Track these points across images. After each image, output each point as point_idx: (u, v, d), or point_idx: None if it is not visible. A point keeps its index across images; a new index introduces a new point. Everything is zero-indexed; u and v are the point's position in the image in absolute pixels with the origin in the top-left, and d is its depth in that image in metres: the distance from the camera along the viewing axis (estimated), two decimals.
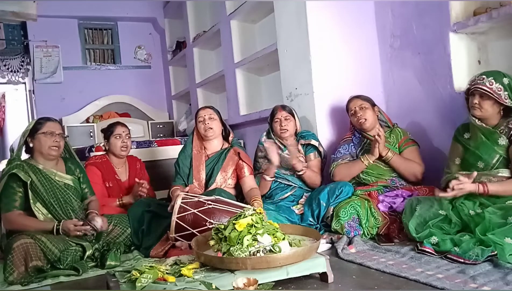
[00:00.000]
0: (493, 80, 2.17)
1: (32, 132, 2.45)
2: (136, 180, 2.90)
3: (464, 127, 2.38)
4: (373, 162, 2.67)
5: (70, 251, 2.27)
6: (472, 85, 2.25)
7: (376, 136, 2.57)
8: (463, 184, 2.09)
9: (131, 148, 3.11)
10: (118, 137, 2.98)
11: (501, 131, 2.22)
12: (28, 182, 2.35)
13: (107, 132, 3.02)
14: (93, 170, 2.87)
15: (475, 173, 2.14)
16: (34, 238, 2.19)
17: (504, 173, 2.19)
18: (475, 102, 2.22)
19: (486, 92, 2.17)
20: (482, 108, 2.21)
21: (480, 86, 2.19)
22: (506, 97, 2.17)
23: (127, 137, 3.03)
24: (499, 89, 2.17)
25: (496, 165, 2.20)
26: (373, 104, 2.81)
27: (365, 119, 2.73)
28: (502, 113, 2.24)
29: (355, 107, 2.77)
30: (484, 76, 2.21)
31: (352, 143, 2.86)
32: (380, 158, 2.65)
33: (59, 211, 2.40)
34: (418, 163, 2.66)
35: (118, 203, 2.86)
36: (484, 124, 2.24)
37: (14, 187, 2.36)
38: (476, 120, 2.25)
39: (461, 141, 2.36)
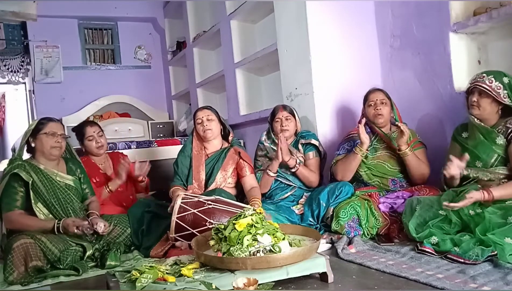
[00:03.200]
0: (493, 79, 2.18)
1: (34, 132, 2.46)
2: (121, 160, 2.93)
3: (463, 127, 2.39)
4: (366, 150, 2.64)
5: (70, 251, 2.27)
6: (472, 83, 2.26)
7: (402, 128, 2.55)
8: (472, 193, 2.05)
9: (107, 145, 3.11)
10: (90, 139, 2.98)
11: (499, 130, 2.22)
12: (30, 182, 2.35)
13: (79, 136, 3.02)
14: None
15: (467, 156, 2.15)
16: (34, 238, 2.20)
17: (501, 169, 2.19)
18: (474, 100, 2.23)
19: (485, 89, 2.17)
20: (480, 106, 2.22)
21: (480, 84, 2.20)
22: (505, 96, 2.17)
23: (99, 136, 3.01)
24: (498, 87, 2.17)
25: (494, 164, 2.21)
26: (392, 103, 2.78)
27: (382, 114, 2.69)
28: (500, 113, 2.25)
29: (376, 100, 2.72)
30: (484, 75, 2.22)
31: (358, 140, 2.82)
32: (398, 151, 2.61)
33: (60, 211, 2.40)
34: (427, 164, 2.65)
35: (106, 190, 2.87)
36: (482, 124, 2.25)
37: (16, 186, 2.36)
38: (475, 119, 2.25)
39: (459, 141, 2.36)
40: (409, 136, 2.72)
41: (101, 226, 2.36)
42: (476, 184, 2.21)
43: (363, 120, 2.64)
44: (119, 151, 3.59)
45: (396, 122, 2.64)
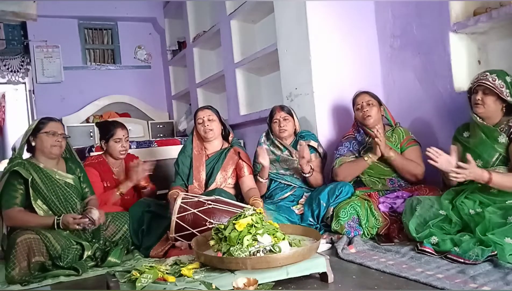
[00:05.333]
0: (496, 77, 2.19)
1: (35, 131, 2.47)
2: (131, 163, 2.87)
3: (464, 127, 2.39)
4: (376, 160, 2.64)
5: (71, 249, 2.28)
6: (475, 82, 2.26)
7: (376, 133, 2.53)
8: (470, 166, 2.06)
9: (129, 149, 3.09)
10: (118, 141, 2.95)
11: (501, 129, 2.23)
12: (29, 179, 2.36)
13: (107, 134, 2.97)
14: (91, 171, 2.85)
15: (469, 156, 2.12)
16: (38, 233, 2.21)
17: (502, 169, 2.19)
18: (478, 99, 2.23)
19: (489, 86, 2.18)
20: (485, 104, 2.22)
21: (484, 81, 2.20)
22: (507, 95, 2.18)
23: (126, 140, 3.00)
24: (501, 85, 2.18)
25: (495, 163, 2.21)
26: (380, 103, 2.80)
27: (370, 115, 2.71)
28: (504, 111, 2.25)
29: (362, 102, 2.75)
30: (487, 73, 2.23)
31: (354, 141, 2.83)
32: (382, 158, 2.63)
33: (60, 208, 2.42)
34: (419, 163, 2.64)
35: (118, 193, 2.84)
36: (485, 123, 2.25)
37: (15, 184, 2.38)
38: (478, 118, 2.25)
39: (461, 141, 2.36)
40: (400, 136, 2.72)
41: (94, 213, 2.37)
42: (477, 184, 2.20)
43: (380, 131, 2.55)
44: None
45: (373, 130, 2.60)
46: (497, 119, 2.26)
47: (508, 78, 2.20)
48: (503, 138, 2.20)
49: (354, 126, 2.91)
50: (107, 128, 2.99)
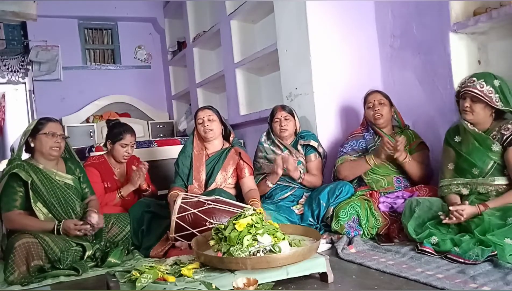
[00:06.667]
0: (483, 83, 2.13)
1: (33, 132, 2.46)
2: (133, 167, 2.86)
3: (455, 130, 2.33)
4: (378, 163, 2.65)
5: (70, 251, 2.28)
6: (462, 88, 2.21)
7: (387, 144, 2.52)
8: (463, 210, 2.04)
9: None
10: (124, 146, 2.93)
11: (494, 137, 2.17)
12: (29, 182, 2.35)
13: (116, 137, 2.94)
14: (92, 171, 2.85)
15: (467, 203, 2.11)
16: (37, 237, 2.20)
17: (501, 180, 2.15)
18: (466, 106, 2.17)
19: (477, 95, 2.13)
20: (473, 112, 2.17)
21: (471, 89, 2.15)
22: (497, 100, 2.13)
23: (132, 147, 2.99)
24: (490, 91, 2.12)
25: (490, 171, 2.16)
26: (391, 104, 2.79)
27: (381, 115, 2.70)
28: (494, 116, 2.20)
29: (374, 101, 2.73)
30: (474, 79, 2.17)
31: (362, 140, 2.82)
32: (396, 161, 2.60)
33: (60, 211, 2.40)
34: (426, 167, 2.64)
35: (118, 195, 2.84)
36: (476, 129, 2.20)
37: (15, 186, 2.36)
38: (468, 124, 2.20)
39: (453, 145, 2.31)
40: (409, 139, 2.72)
41: (93, 217, 2.36)
42: (476, 193, 2.18)
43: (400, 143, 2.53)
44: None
45: (396, 136, 2.59)
46: (488, 125, 2.21)
47: (496, 82, 2.14)
48: (496, 147, 2.15)
49: (363, 124, 2.90)
50: (117, 131, 2.97)
